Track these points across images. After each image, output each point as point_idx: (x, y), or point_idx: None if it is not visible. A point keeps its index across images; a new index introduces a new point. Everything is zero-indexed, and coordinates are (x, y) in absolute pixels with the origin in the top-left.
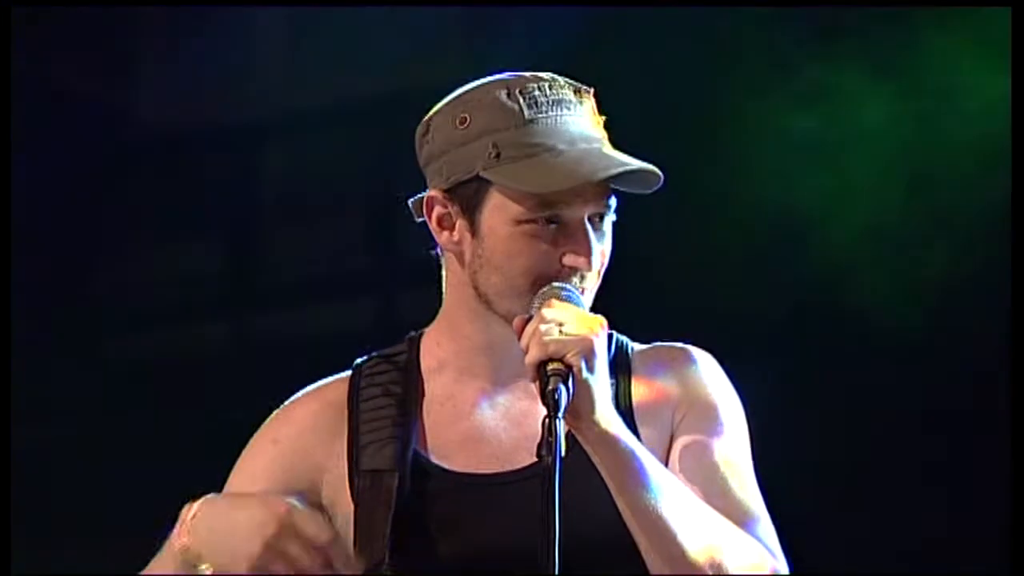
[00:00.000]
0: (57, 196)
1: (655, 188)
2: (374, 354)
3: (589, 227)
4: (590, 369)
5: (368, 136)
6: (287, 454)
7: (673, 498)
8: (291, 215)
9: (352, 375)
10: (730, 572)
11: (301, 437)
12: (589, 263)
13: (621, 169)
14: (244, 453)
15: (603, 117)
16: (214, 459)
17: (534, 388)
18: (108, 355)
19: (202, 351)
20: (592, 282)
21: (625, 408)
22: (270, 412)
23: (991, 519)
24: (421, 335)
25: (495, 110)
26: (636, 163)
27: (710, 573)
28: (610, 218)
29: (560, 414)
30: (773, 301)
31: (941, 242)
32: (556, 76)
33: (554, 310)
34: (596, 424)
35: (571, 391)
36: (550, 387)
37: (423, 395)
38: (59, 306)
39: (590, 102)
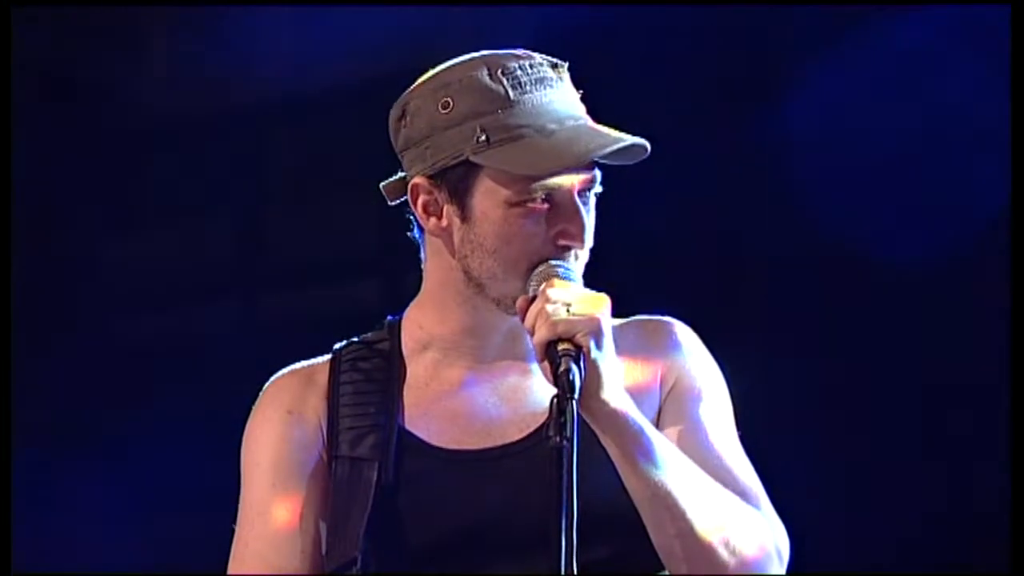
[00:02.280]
0: (65, 178)
1: (640, 159)
2: (353, 340)
3: (580, 204)
4: (599, 348)
5: (374, 118)
6: (299, 424)
7: (681, 474)
8: (298, 196)
9: (332, 360)
10: (737, 545)
11: (303, 408)
12: (583, 240)
13: (617, 146)
14: (251, 433)
15: (580, 91)
16: (221, 440)
17: (541, 368)
18: (115, 336)
19: (210, 332)
20: (584, 258)
21: None
22: None
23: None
24: (400, 320)
25: (478, 92)
26: (628, 138)
27: (718, 547)
28: (596, 191)
29: (575, 395)
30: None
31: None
32: (530, 52)
33: (558, 289)
34: (606, 403)
35: (583, 371)
36: (563, 368)
37: (406, 377)
38: (67, 288)
39: (567, 76)
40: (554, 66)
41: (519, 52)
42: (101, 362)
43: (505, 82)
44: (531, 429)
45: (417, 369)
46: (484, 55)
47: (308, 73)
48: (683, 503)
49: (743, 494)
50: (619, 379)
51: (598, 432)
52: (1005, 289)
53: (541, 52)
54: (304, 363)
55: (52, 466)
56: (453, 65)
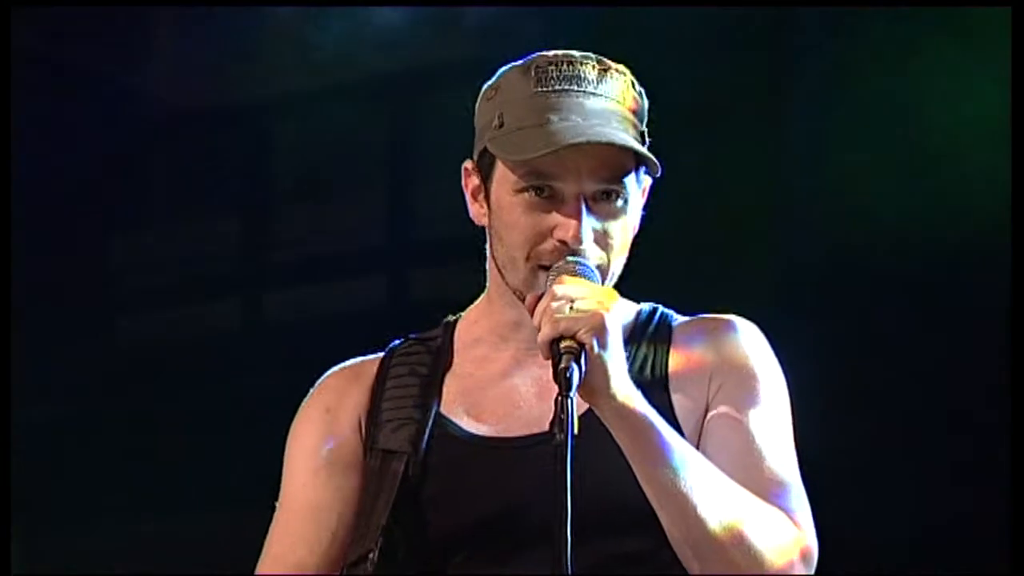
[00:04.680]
0: (71, 174)
1: (656, 174)
2: (410, 336)
3: (585, 205)
4: (602, 345)
5: (381, 113)
6: (335, 421)
7: (692, 471)
8: (305, 193)
9: (384, 356)
10: (753, 546)
11: (342, 405)
12: (578, 238)
13: (580, 140)
14: (294, 429)
15: (634, 97)
16: (228, 436)
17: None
18: (121, 333)
19: (216, 328)
20: (603, 262)
21: (660, 377)
22: (283, 389)
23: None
24: (459, 318)
25: (513, 84)
26: (615, 139)
27: (731, 546)
28: (633, 195)
29: (572, 393)
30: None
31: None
32: (590, 55)
33: (566, 286)
34: (612, 399)
35: (583, 368)
36: (562, 365)
37: (452, 368)
38: (72, 284)
39: (619, 82)
40: (604, 69)
41: (575, 53)
42: (104, 361)
43: (534, 76)
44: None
45: (464, 361)
46: (545, 53)
47: (315, 70)
48: (693, 501)
49: (773, 492)
50: (624, 375)
51: (609, 428)
52: (1005, 289)
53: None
54: (357, 359)
55: (54, 465)
56: (520, 61)
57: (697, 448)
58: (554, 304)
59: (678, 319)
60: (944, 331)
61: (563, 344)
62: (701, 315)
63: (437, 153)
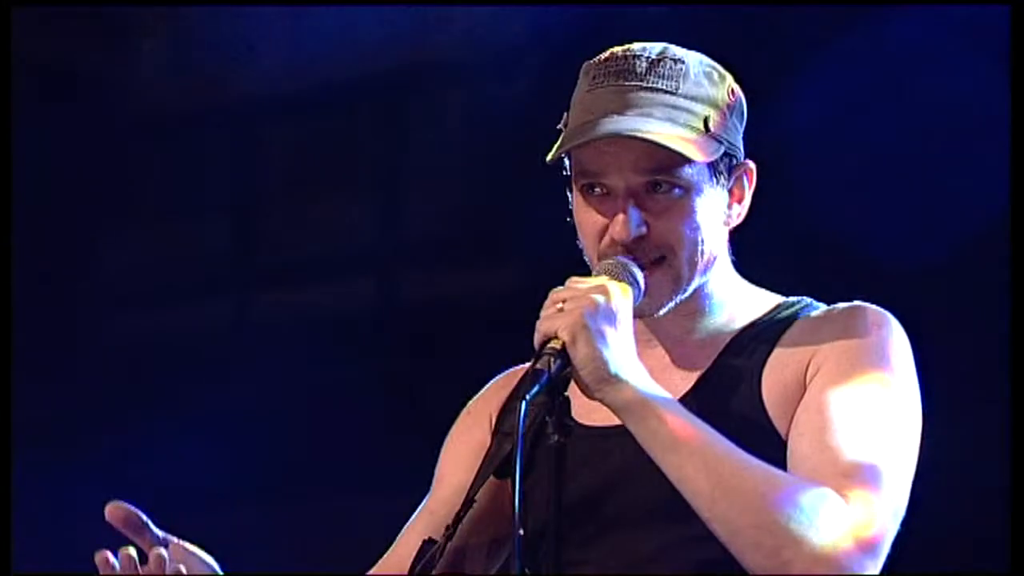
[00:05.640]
0: (59, 174)
1: (702, 160)
2: None
3: (632, 199)
4: (579, 341)
5: (371, 113)
6: (476, 422)
7: (703, 457)
8: (294, 194)
9: None
10: (781, 527)
11: (489, 403)
12: (625, 234)
13: (599, 134)
14: (451, 431)
15: (696, 82)
16: (218, 439)
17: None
18: (109, 334)
19: (205, 330)
20: (679, 252)
21: (756, 368)
22: (272, 391)
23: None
24: None
25: (579, 84)
26: (637, 130)
27: (755, 529)
28: (703, 183)
29: (528, 397)
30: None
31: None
32: (650, 46)
33: (564, 289)
34: (607, 391)
35: (553, 369)
36: (538, 366)
37: None
38: (60, 285)
39: (672, 69)
40: (659, 60)
41: (635, 46)
42: (95, 361)
43: (590, 75)
44: None
45: None
46: (613, 48)
47: (304, 70)
48: (704, 485)
49: (836, 475)
50: (623, 365)
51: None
52: (1005, 289)
53: (535, 51)
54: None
55: (48, 466)
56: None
57: (787, 434)
58: (545, 307)
59: (814, 311)
60: (943, 331)
61: (548, 346)
62: (838, 305)
63: (427, 154)
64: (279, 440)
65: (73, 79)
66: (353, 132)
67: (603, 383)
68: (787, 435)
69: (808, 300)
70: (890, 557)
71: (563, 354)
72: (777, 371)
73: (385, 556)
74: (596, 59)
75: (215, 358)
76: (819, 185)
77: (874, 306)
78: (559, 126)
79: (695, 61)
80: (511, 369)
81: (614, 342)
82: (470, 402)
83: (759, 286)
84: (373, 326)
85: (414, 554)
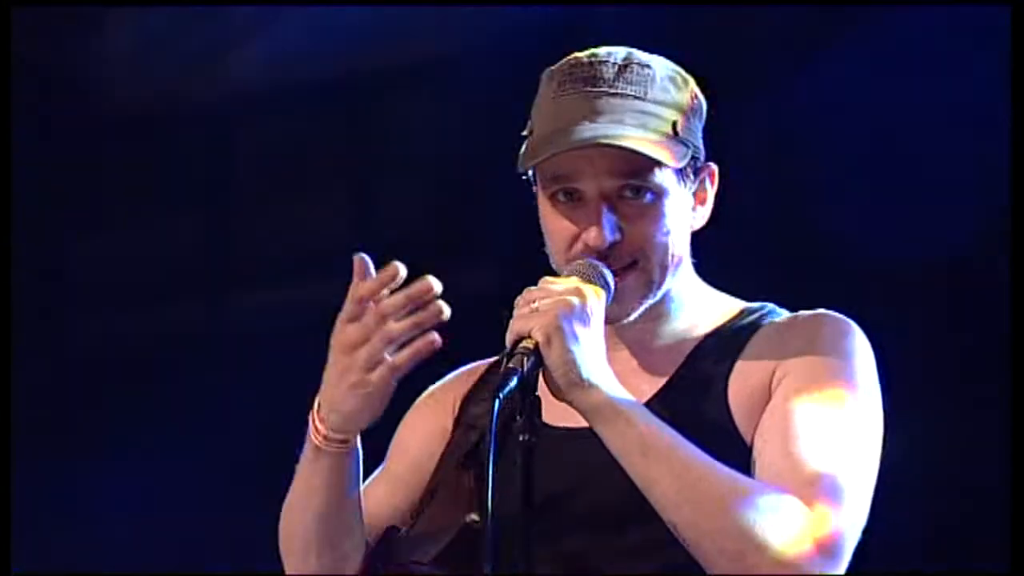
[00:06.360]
0: (31, 174)
1: (674, 165)
2: None
3: (605, 204)
4: (553, 342)
5: (344, 112)
6: (437, 406)
7: (670, 462)
8: (268, 193)
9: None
10: (746, 532)
11: (449, 393)
12: (599, 239)
13: (575, 142)
14: (407, 415)
15: (663, 87)
16: (192, 439)
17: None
18: (80, 335)
19: (179, 331)
20: (650, 256)
21: (726, 364)
22: (249, 391)
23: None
24: None
25: (542, 91)
26: (611, 137)
27: (720, 534)
28: (671, 188)
29: (501, 394)
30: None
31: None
32: (615, 51)
33: (537, 289)
34: (576, 393)
35: (525, 369)
36: (509, 365)
37: None
38: (32, 287)
39: (639, 75)
40: (625, 66)
41: (600, 51)
42: (68, 363)
43: (555, 81)
44: None
45: None
46: (576, 53)
47: (277, 69)
48: (671, 490)
49: (798, 481)
50: (594, 368)
51: (585, 420)
52: (1005, 289)
53: (507, 51)
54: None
55: (23, 467)
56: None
57: (752, 441)
58: (518, 307)
59: (777, 318)
60: (942, 333)
61: (520, 345)
62: (802, 312)
63: (402, 153)
64: (253, 441)
65: (46, 77)
66: (326, 132)
67: (573, 386)
68: (752, 441)
69: (771, 306)
70: (891, 557)
71: (536, 353)
72: (743, 378)
73: None
74: (559, 66)
75: (189, 359)
76: (819, 185)
77: (837, 314)
78: (524, 133)
79: (660, 66)
80: (474, 364)
81: (586, 345)
82: (432, 387)
83: (726, 289)
84: None
85: (374, 525)
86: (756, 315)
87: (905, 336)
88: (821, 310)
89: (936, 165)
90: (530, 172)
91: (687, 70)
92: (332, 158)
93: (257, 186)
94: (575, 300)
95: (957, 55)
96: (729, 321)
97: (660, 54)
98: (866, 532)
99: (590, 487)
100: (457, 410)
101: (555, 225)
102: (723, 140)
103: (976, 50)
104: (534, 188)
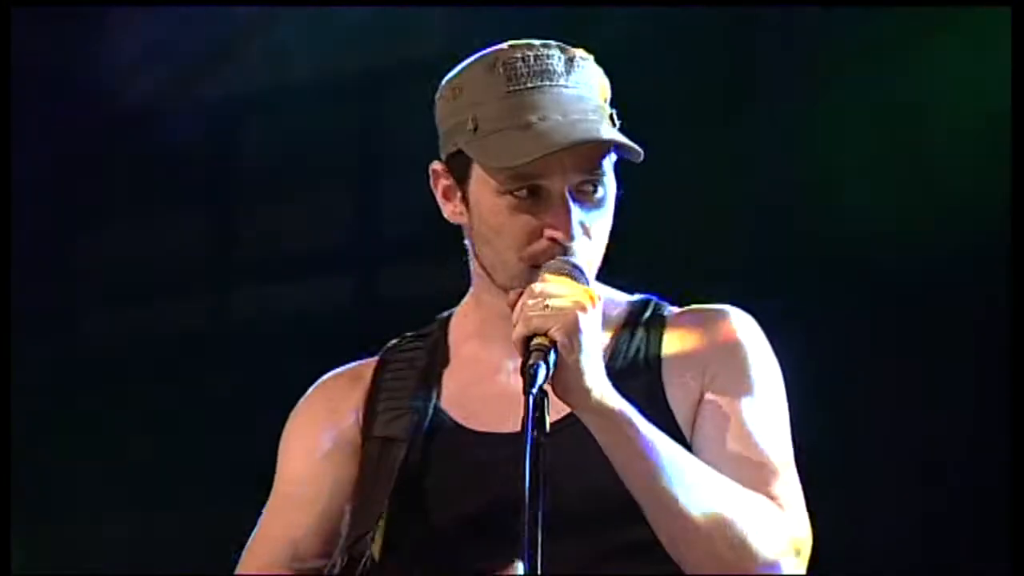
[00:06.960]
0: (35, 172)
1: (642, 159)
2: (407, 335)
3: (570, 198)
4: (574, 343)
5: (348, 111)
6: (334, 413)
7: (672, 465)
8: (271, 191)
9: (381, 355)
10: (737, 536)
11: (343, 399)
12: (569, 235)
13: (571, 141)
14: (291, 423)
15: (601, 82)
16: (195, 437)
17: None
18: (85, 332)
19: (182, 328)
20: (590, 253)
21: (653, 367)
22: (250, 388)
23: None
24: (451, 314)
25: (481, 82)
26: (602, 135)
27: (714, 539)
28: (610, 184)
29: (533, 390)
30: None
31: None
32: (550, 43)
33: (545, 284)
34: (586, 396)
35: (551, 366)
36: (530, 362)
37: (448, 363)
38: (37, 284)
39: (586, 69)
40: (571, 58)
41: (536, 42)
42: (68, 360)
43: (503, 73)
44: (563, 414)
45: (460, 355)
46: (502, 45)
47: (281, 67)
48: (673, 494)
49: (764, 484)
50: (600, 373)
51: (587, 425)
52: (1005, 290)
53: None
54: (354, 364)
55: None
56: (479, 54)
57: (690, 437)
58: (530, 302)
59: (672, 310)
60: (941, 332)
61: (534, 342)
62: (695, 306)
63: (404, 151)
64: (255, 439)
65: (45, 77)
66: (330, 129)
67: (583, 387)
68: (691, 436)
69: (654, 298)
70: (891, 557)
71: (555, 351)
72: (676, 377)
73: (249, 555)
74: (498, 56)
75: (192, 355)
76: (818, 185)
77: (738, 308)
78: (468, 127)
79: (590, 58)
80: (343, 368)
81: (594, 349)
82: (308, 403)
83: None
84: (351, 323)
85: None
86: (653, 309)
87: (905, 336)
88: (725, 306)
89: (936, 165)
90: (448, 163)
91: (687, 70)
92: (332, 158)
93: (262, 184)
94: (588, 303)
95: (957, 55)
96: (630, 317)
97: (660, 54)
98: (866, 532)
99: (552, 490)
100: (361, 421)
101: (512, 220)
102: (724, 140)
103: (976, 50)
104: (447, 179)
